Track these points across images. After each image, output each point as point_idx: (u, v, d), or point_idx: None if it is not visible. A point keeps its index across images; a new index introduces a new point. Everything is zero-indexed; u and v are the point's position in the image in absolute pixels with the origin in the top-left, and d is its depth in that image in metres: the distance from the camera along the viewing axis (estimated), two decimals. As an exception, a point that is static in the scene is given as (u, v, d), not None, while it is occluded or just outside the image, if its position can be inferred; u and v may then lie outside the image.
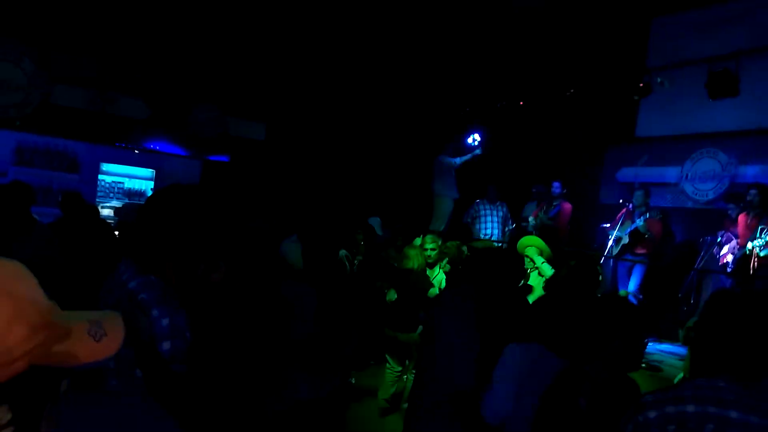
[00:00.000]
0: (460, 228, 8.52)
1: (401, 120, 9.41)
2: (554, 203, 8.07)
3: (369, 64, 8.99)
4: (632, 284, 7.00)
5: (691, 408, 1.43)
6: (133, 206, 6.86)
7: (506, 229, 8.65)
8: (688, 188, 7.99)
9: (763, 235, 5.92)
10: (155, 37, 7.57)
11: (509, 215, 8.72)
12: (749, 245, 5.97)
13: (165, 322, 1.64)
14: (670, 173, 8.21)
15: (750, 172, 7.30)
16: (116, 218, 7.34)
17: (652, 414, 1.47)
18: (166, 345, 1.63)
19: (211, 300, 1.80)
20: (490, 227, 8.55)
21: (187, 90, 8.24)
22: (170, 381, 1.60)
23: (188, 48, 7.85)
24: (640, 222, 6.86)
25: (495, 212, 8.60)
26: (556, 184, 8.06)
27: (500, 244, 8.27)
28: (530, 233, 8.37)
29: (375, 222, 7.06)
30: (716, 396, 1.43)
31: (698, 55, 7.25)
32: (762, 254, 5.91)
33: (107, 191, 8.23)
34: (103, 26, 7.26)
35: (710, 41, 7.48)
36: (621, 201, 7.62)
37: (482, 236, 8.44)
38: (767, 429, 1.36)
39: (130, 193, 8.31)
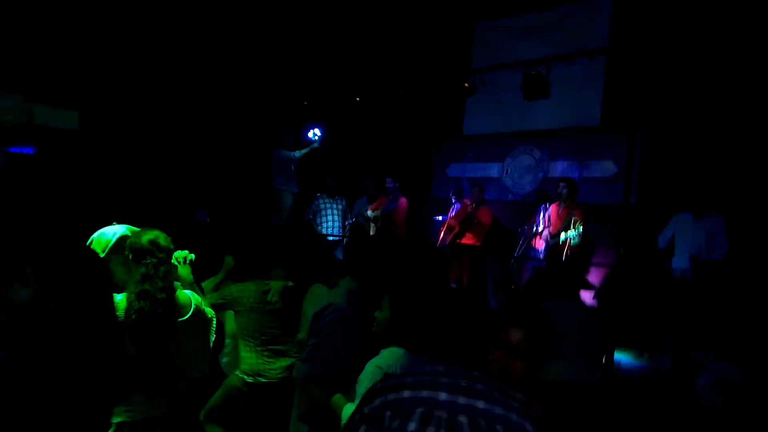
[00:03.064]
0: (302, 224, 8.44)
1: (238, 112, 9.04)
2: (390, 197, 8.30)
3: (203, 49, 8.50)
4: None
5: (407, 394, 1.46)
6: None
7: (346, 222, 8.72)
8: (508, 182, 8.68)
9: (576, 227, 6.59)
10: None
11: (348, 209, 8.81)
12: (563, 235, 6.62)
13: None
14: (493, 168, 8.86)
15: (559, 167, 8.11)
16: None
17: (377, 402, 1.49)
18: None
19: (20, 317, 1.55)
20: (331, 221, 8.57)
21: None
22: None
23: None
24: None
25: (335, 206, 8.65)
26: (388, 180, 8.29)
27: (340, 238, 8.34)
28: (366, 227, 8.58)
29: (201, 215, 6.72)
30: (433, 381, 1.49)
31: (516, 59, 7.86)
32: (573, 243, 6.60)
33: None
34: None
35: (526, 46, 8.17)
36: (451, 194, 8.11)
37: (324, 230, 8.43)
38: (471, 408, 1.41)
39: None
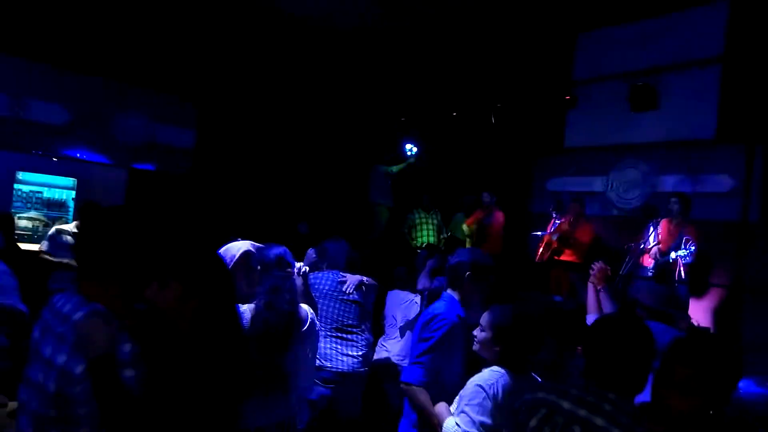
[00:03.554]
0: (398, 237, 8.57)
1: (338, 129, 9.35)
2: (486, 212, 8.25)
3: (304, 71, 8.90)
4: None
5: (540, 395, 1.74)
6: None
7: (441, 236, 8.75)
8: (613, 197, 8.32)
9: (688, 246, 6.21)
10: (74, 36, 7.20)
11: (443, 223, 8.84)
12: (673, 254, 6.25)
13: (127, 348, 1.60)
14: (596, 182, 8.54)
15: (669, 181, 7.67)
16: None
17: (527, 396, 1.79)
18: (129, 372, 1.58)
19: (158, 326, 1.74)
20: (426, 235, 8.63)
21: (110, 94, 7.90)
22: (131, 410, 1.53)
23: (112, 49, 7.51)
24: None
25: (430, 220, 8.70)
26: (485, 194, 8.23)
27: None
28: (463, 240, 8.56)
29: (303, 228, 7.01)
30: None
31: (621, 69, 7.56)
32: (684, 263, 6.23)
33: (24, 201, 7.80)
34: (16, 22, 6.84)
35: (632, 56, 7.83)
36: (551, 209, 7.90)
37: (419, 244, 8.51)
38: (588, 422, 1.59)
39: (49, 203, 7.88)
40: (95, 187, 7.31)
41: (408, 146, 8.72)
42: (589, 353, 1.77)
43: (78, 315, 1.59)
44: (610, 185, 8.39)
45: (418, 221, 8.66)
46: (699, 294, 6.03)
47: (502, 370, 2.41)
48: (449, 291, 2.94)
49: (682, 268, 6.15)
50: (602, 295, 3.36)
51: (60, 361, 1.56)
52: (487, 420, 2.30)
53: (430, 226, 8.68)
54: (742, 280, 5.79)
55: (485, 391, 2.34)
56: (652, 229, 6.84)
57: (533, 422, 1.67)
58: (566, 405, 1.64)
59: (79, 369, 1.54)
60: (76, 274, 1.72)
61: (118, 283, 1.67)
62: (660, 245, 6.55)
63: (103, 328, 1.55)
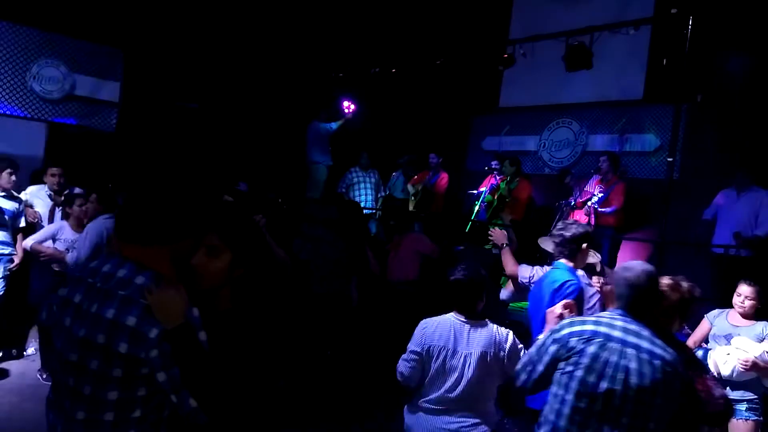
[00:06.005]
0: (335, 196, 8.46)
1: (273, 84, 9.03)
2: (432, 172, 8.30)
3: (238, 22, 8.48)
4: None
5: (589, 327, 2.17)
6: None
7: (379, 195, 8.72)
8: (546, 156, 8.57)
9: (597, 192, 6.55)
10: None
11: (381, 182, 8.79)
12: (588, 203, 6.61)
13: (195, 312, 1.64)
14: (530, 142, 8.75)
15: (599, 140, 7.97)
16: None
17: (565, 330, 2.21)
18: (203, 335, 1.63)
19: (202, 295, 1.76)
20: (364, 194, 8.57)
21: (25, 41, 7.25)
22: (213, 371, 1.59)
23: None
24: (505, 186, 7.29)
25: (368, 179, 8.63)
26: (432, 156, 8.29)
27: (373, 212, 8.35)
28: (400, 200, 8.58)
29: (243, 186, 6.80)
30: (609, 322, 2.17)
31: (557, 29, 7.67)
32: (593, 204, 6.60)
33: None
34: None
35: (568, 16, 7.97)
36: (486, 168, 8.01)
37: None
38: (637, 345, 2.08)
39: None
40: (12, 143, 6.73)
41: (345, 103, 8.54)
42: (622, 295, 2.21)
43: (141, 279, 1.62)
44: (542, 144, 8.63)
45: (356, 180, 8.57)
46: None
47: None
48: (564, 261, 3.32)
49: (592, 215, 6.50)
50: (505, 252, 4.03)
51: (130, 323, 1.58)
52: None
53: (368, 185, 8.61)
54: (666, 235, 6.14)
55: None
56: (581, 187, 7.13)
57: (592, 348, 2.09)
58: (617, 334, 2.10)
59: (153, 333, 1.57)
60: (116, 237, 1.73)
61: (165, 247, 1.69)
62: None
63: (177, 299, 1.60)
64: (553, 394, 2.16)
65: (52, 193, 5.62)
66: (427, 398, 2.80)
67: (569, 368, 2.11)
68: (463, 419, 2.74)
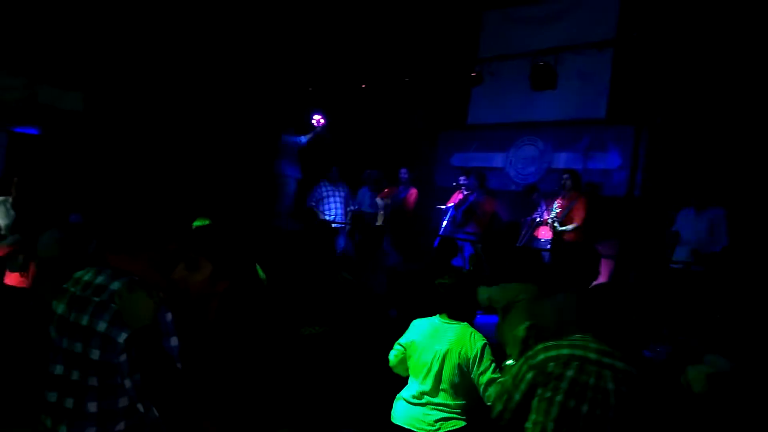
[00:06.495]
0: (305, 211, 8.43)
1: (243, 96, 8.98)
2: (401, 187, 8.38)
3: (207, 33, 8.43)
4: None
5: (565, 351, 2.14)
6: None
7: (347, 209, 8.72)
8: (512, 172, 8.72)
9: (552, 208, 6.71)
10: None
11: (350, 196, 8.81)
12: (549, 220, 6.77)
13: (169, 317, 1.63)
14: (497, 158, 8.90)
15: (563, 158, 8.16)
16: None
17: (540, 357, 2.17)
18: (174, 341, 1.62)
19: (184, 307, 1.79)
20: (333, 208, 8.57)
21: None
22: (176, 379, 1.58)
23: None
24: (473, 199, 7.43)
25: (337, 193, 8.63)
26: (403, 170, 8.38)
27: (342, 226, 8.35)
28: (371, 215, 8.60)
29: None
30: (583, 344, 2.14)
31: (524, 49, 7.86)
32: (560, 229, 6.74)
33: None
34: None
35: (535, 36, 8.16)
36: (454, 183, 8.11)
37: (326, 218, 8.44)
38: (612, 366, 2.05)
39: None
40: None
41: (315, 117, 8.56)
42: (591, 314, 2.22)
43: (116, 285, 1.64)
44: (509, 161, 8.78)
45: (325, 194, 8.56)
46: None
47: None
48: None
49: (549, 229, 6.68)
50: None
51: (101, 328, 1.60)
52: None
53: (338, 199, 8.61)
54: (628, 252, 6.29)
55: None
56: (545, 203, 7.28)
57: (570, 372, 2.08)
58: (593, 356, 2.09)
59: (122, 337, 1.58)
60: (99, 247, 1.85)
61: (146, 254, 1.72)
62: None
63: (146, 299, 1.59)
64: (533, 422, 2.14)
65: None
66: (408, 390, 3.04)
67: (548, 394, 2.09)
68: (436, 412, 2.91)
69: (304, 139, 8.30)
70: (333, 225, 8.34)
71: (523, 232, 7.48)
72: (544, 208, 7.27)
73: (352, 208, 8.74)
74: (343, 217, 8.58)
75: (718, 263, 5.91)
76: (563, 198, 6.95)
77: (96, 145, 7.80)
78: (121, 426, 1.59)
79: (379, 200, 8.40)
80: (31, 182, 5.64)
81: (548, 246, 6.98)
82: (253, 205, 8.09)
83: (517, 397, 2.18)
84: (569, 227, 6.72)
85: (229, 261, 1.82)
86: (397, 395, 3.13)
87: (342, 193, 8.65)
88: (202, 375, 1.65)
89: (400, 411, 3.03)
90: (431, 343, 2.98)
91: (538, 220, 7.25)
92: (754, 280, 5.55)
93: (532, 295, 3.64)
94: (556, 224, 6.76)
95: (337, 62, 9.22)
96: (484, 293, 3.89)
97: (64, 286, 1.76)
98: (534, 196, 7.43)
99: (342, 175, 8.66)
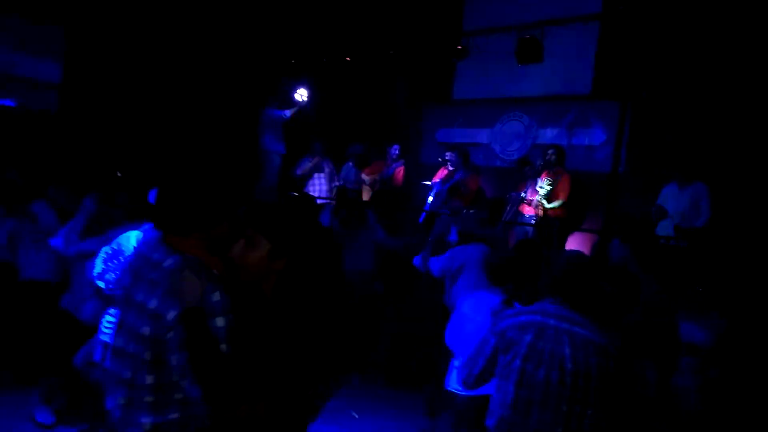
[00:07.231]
0: (290, 185, 8.35)
1: (225, 68, 8.79)
2: (390, 165, 8.36)
3: (190, 9, 8.22)
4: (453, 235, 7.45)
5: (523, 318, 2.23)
6: None
7: (332, 185, 8.64)
8: (497, 148, 8.70)
9: (542, 185, 6.72)
10: None
11: (335, 172, 8.72)
12: (536, 198, 6.75)
13: (216, 297, 1.61)
14: (482, 134, 8.86)
15: (548, 134, 8.14)
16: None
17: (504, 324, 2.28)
18: (220, 321, 1.60)
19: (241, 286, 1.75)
20: (318, 184, 8.50)
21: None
22: (219, 362, 1.57)
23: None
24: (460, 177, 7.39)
25: (321, 169, 8.55)
26: (395, 147, 8.40)
27: (326, 201, 8.28)
28: (357, 191, 8.53)
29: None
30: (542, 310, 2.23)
31: (509, 22, 7.77)
32: (549, 206, 6.75)
33: None
34: None
35: (520, 9, 8.06)
36: (440, 159, 8.07)
37: (310, 193, 8.36)
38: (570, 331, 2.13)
39: None
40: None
41: (298, 91, 8.42)
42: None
43: (169, 262, 1.64)
44: (494, 137, 8.75)
45: (310, 170, 8.48)
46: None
47: None
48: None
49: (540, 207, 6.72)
50: None
51: (152, 305, 1.62)
52: None
53: (322, 176, 8.54)
54: (611, 227, 6.31)
55: None
56: (531, 180, 7.27)
57: (528, 337, 2.15)
58: (552, 321, 2.15)
59: (171, 314, 1.59)
60: (156, 224, 1.75)
61: (200, 233, 1.71)
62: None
63: (194, 279, 1.60)
64: (497, 386, 2.23)
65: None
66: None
67: (508, 358, 2.17)
68: None
69: (287, 113, 8.17)
70: (317, 201, 8.29)
71: (508, 208, 7.48)
72: (530, 184, 7.26)
73: (336, 184, 8.67)
74: (328, 193, 8.51)
75: (700, 237, 5.97)
76: (548, 174, 6.95)
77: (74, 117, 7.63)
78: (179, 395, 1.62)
79: (365, 176, 8.34)
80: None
81: (532, 221, 6.99)
82: (237, 180, 7.97)
83: (481, 361, 2.28)
84: (556, 203, 6.74)
85: (287, 239, 1.80)
86: (451, 363, 3.24)
87: (326, 169, 8.57)
88: (255, 356, 1.63)
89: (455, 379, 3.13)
90: None
91: (523, 196, 7.24)
92: (735, 254, 5.62)
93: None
94: (543, 201, 6.76)
95: (321, 34, 9.05)
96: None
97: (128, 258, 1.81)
98: (526, 170, 7.38)
99: (326, 151, 8.56)
